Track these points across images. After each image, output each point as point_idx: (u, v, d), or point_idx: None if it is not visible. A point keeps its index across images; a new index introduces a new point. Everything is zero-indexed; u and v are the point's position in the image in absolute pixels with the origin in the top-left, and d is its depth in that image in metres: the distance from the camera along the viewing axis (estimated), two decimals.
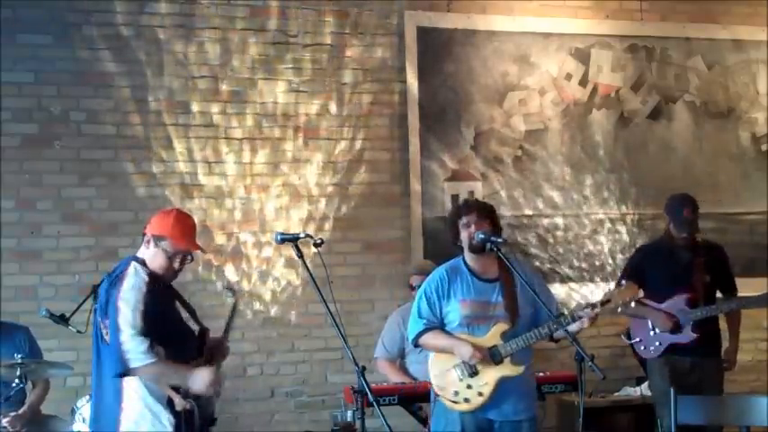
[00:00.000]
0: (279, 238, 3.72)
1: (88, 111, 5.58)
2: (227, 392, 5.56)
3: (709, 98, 6.59)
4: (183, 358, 3.55)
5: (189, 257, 3.67)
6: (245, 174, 5.80)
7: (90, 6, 5.61)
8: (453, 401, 3.98)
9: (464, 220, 4.06)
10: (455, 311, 4.03)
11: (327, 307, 3.50)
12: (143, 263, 3.58)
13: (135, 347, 3.37)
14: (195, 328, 3.78)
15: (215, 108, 5.78)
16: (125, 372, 3.41)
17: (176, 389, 3.47)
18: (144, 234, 3.66)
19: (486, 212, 4.10)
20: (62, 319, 4.54)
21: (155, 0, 5.71)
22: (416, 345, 4.14)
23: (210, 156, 5.76)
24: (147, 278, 3.51)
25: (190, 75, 5.75)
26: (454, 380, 3.99)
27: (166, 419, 3.46)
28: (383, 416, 3.33)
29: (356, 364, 3.45)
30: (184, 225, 3.67)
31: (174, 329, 3.60)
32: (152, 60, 5.69)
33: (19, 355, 4.47)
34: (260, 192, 5.82)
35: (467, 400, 3.96)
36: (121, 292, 3.44)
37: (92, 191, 5.56)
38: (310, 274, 3.64)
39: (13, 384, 4.42)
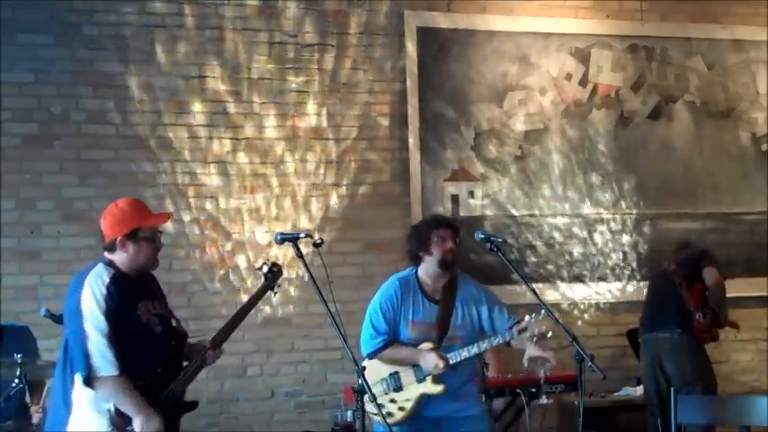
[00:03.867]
0: (279, 237, 3.72)
1: (88, 111, 5.59)
2: (227, 393, 5.59)
3: (709, 98, 6.58)
4: (141, 371, 3.36)
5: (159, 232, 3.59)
6: (245, 173, 5.81)
7: (90, 6, 5.61)
8: (375, 414, 3.98)
9: (441, 233, 4.12)
10: (403, 331, 4.11)
11: (327, 307, 3.49)
12: (110, 263, 3.46)
13: (101, 355, 3.25)
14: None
15: (214, 108, 5.77)
16: (88, 379, 3.26)
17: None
18: (107, 241, 3.53)
19: (457, 233, 4.19)
20: (62, 319, 4.52)
21: (155, 0, 5.71)
22: (371, 358, 4.12)
23: (210, 156, 5.76)
24: (110, 282, 3.37)
25: (189, 75, 5.75)
26: (379, 393, 4.02)
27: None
28: (383, 415, 3.32)
29: (356, 364, 3.45)
30: (138, 205, 3.60)
31: (134, 339, 3.38)
32: (152, 60, 5.69)
33: (19, 355, 4.46)
34: (260, 191, 5.82)
35: (389, 414, 4.00)
36: (86, 296, 3.33)
37: (92, 191, 5.55)
38: (310, 274, 3.63)
39: (13, 384, 4.42)
